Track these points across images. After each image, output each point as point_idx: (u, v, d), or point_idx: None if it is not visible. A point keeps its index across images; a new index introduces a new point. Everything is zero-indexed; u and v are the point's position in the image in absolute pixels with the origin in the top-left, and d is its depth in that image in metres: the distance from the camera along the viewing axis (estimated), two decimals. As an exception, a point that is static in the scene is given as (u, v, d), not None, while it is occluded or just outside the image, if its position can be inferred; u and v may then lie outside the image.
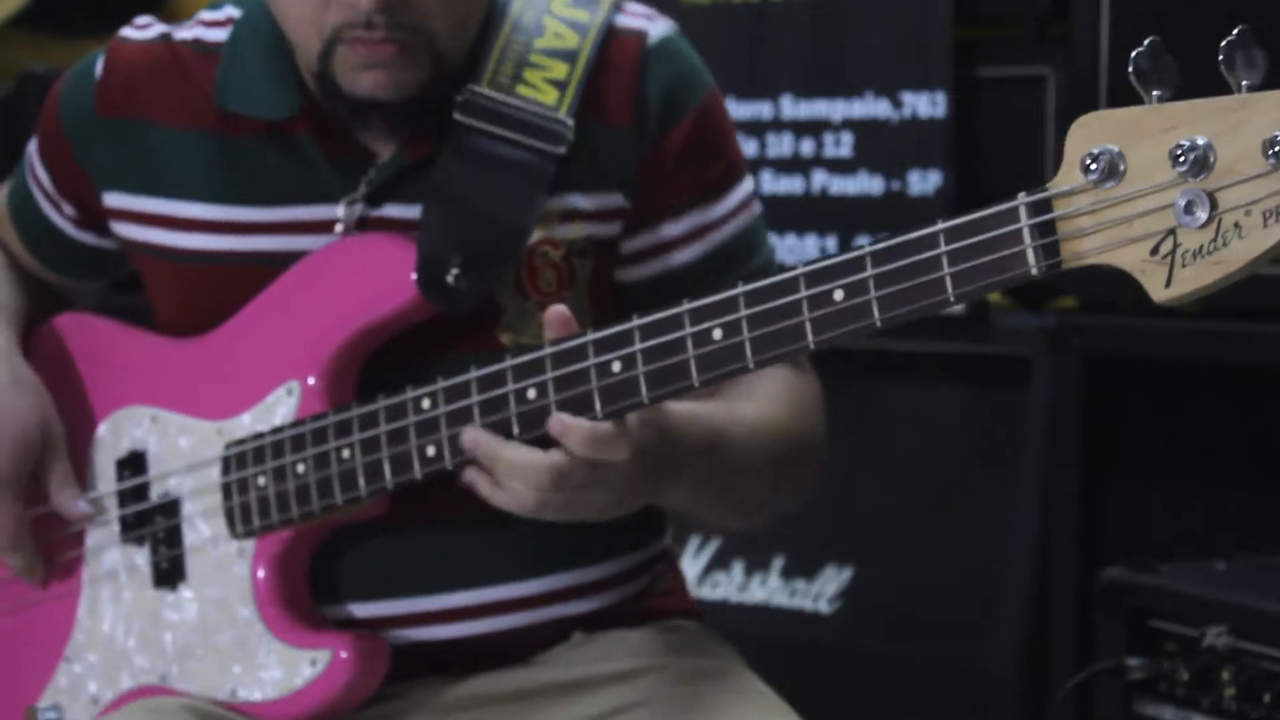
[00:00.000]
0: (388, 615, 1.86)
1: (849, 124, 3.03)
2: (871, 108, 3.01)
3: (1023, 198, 1.49)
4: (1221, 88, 1.42)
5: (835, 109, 3.05)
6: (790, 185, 3.09)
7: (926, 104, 2.95)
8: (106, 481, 1.98)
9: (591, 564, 1.90)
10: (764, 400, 1.85)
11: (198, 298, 1.92)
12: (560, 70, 1.86)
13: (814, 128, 3.07)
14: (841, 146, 3.04)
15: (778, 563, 3.03)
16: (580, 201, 1.85)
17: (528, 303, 1.84)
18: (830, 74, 3.05)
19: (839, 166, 3.05)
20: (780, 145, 3.10)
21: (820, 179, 3.07)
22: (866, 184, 3.01)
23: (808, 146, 3.08)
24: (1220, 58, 1.40)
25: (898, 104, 2.98)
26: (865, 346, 2.97)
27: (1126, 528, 2.67)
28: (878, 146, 3.00)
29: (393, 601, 1.87)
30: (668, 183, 1.87)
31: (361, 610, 1.87)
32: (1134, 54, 1.44)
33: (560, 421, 1.65)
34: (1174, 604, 2.22)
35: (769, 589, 3.03)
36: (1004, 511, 2.82)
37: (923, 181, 2.94)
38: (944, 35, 2.93)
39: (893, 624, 2.93)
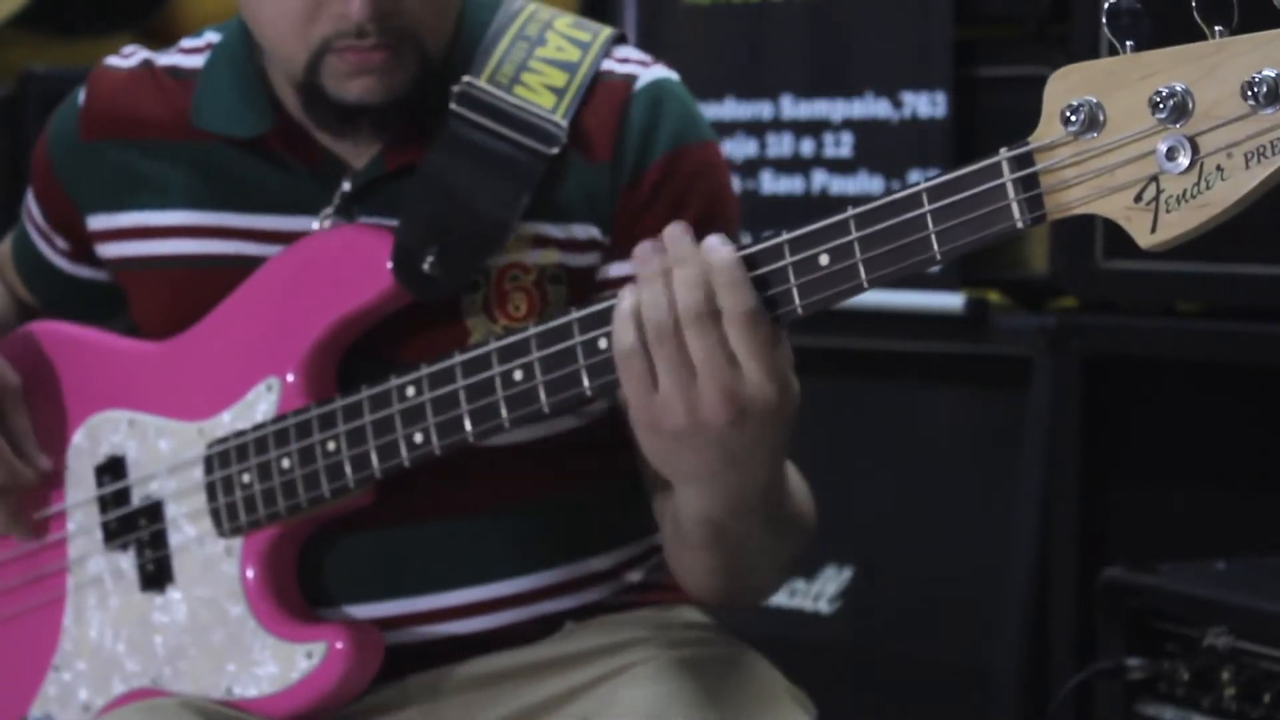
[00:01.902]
0: (381, 616, 1.86)
1: (849, 124, 3.04)
2: (871, 108, 3.01)
3: (1004, 153, 1.50)
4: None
5: (835, 109, 3.05)
6: (790, 185, 3.09)
7: (926, 104, 2.95)
8: (86, 488, 1.97)
9: (584, 558, 1.90)
10: (793, 480, 1.82)
11: (181, 304, 1.92)
12: (559, 78, 1.86)
13: (814, 128, 3.07)
14: (841, 146, 3.04)
15: (778, 563, 3.02)
16: (552, 230, 1.85)
17: (495, 326, 1.83)
18: (830, 74, 3.05)
19: (839, 166, 3.05)
20: (780, 145, 3.10)
21: (820, 179, 3.07)
22: (866, 184, 3.01)
23: (808, 146, 3.08)
24: (1193, 3, 1.41)
25: (898, 104, 2.98)
26: (865, 347, 2.98)
27: (1126, 528, 2.67)
28: (878, 146, 3.00)
29: (385, 603, 1.87)
30: (639, 220, 1.85)
31: (355, 613, 1.87)
32: (1107, 4, 1.44)
33: (710, 243, 1.58)
34: (1174, 604, 2.22)
35: (769, 589, 3.03)
36: (1004, 511, 2.82)
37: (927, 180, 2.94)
38: (944, 35, 2.93)
39: (893, 624, 2.93)
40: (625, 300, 1.60)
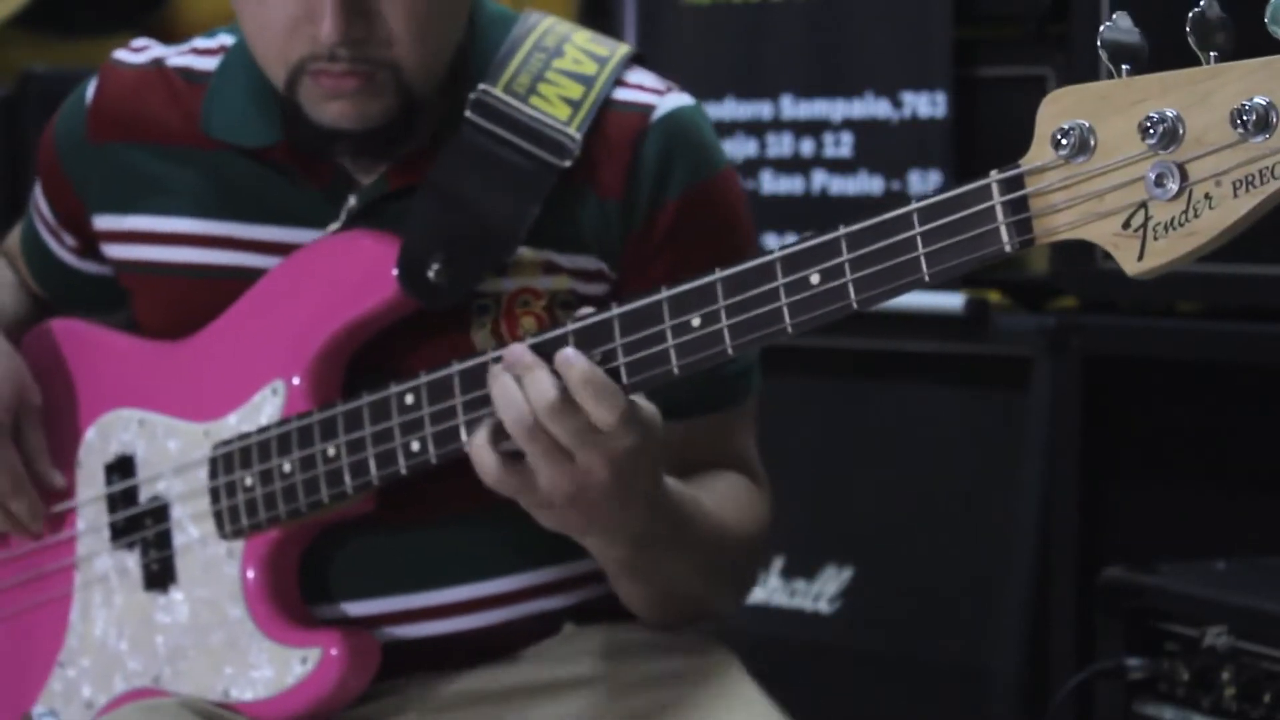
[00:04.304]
0: (379, 613, 1.87)
1: (849, 124, 3.04)
2: (871, 108, 3.01)
3: (994, 175, 1.49)
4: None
5: (835, 109, 3.05)
6: (790, 185, 3.09)
7: (926, 104, 2.95)
8: (95, 485, 1.98)
9: (580, 557, 1.90)
10: (722, 500, 1.84)
11: (183, 310, 1.92)
12: (575, 90, 1.86)
13: (814, 128, 3.07)
14: (841, 146, 3.04)
15: (778, 563, 3.03)
16: (562, 260, 1.85)
17: None
18: (830, 74, 3.05)
19: (839, 166, 3.05)
20: (780, 145, 3.10)
21: (820, 179, 3.07)
22: (866, 184, 3.02)
23: (808, 146, 3.08)
24: (1188, 29, 1.40)
25: (898, 104, 2.98)
26: (865, 347, 2.98)
27: (1126, 528, 2.67)
28: (878, 146, 3.00)
29: (383, 599, 1.87)
30: (651, 262, 1.86)
31: (353, 609, 1.87)
32: (1102, 27, 1.44)
33: (566, 355, 1.64)
34: (1174, 604, 2.22)
35: (769, 589, 3.03)
36: (1004, 511, 2.82)
37: (923, 181, 2.94)
38: (944, 35, 2.93)
39: (893, 624, 2.93)
40: (479, 431, 1.67)
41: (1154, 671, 2.23)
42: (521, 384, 1.64)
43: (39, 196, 2.04)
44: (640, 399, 1.67)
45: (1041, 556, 2.75)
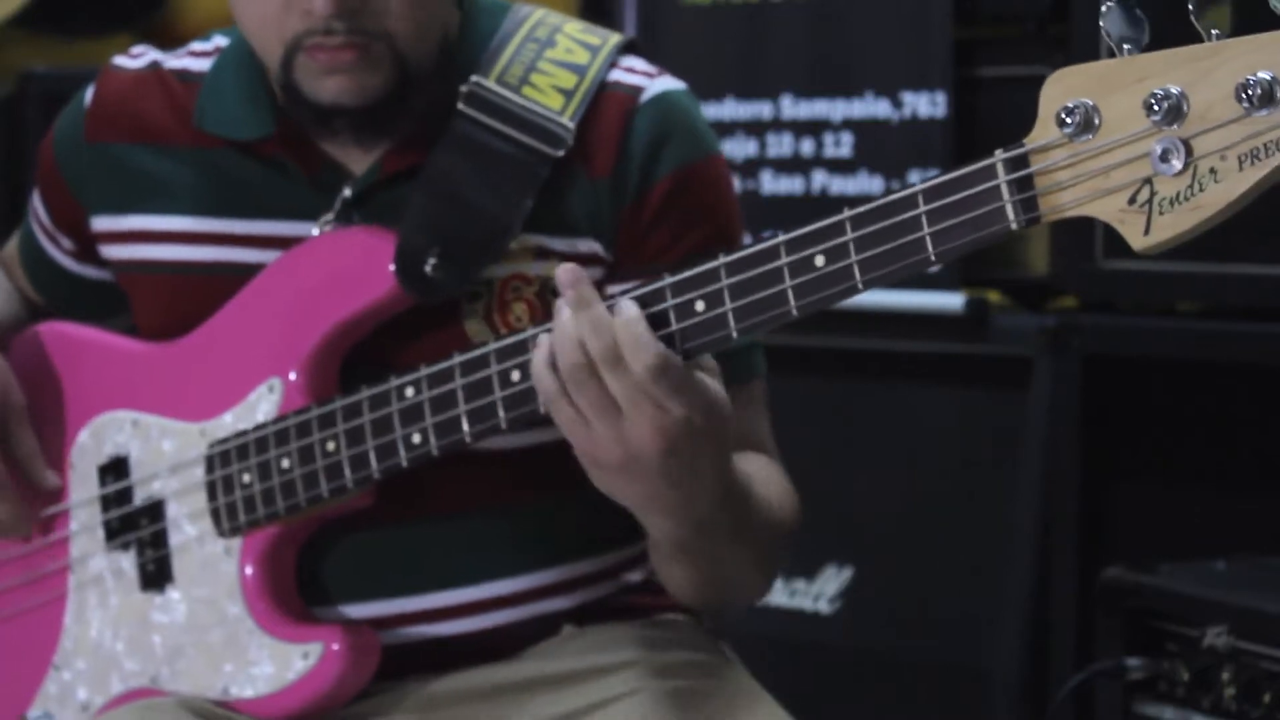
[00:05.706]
0: (378, 616, 1.87)
1: (849, 124, 3.04)
2: (871, 108, 3.01)
3: (999, 154, 1.50)
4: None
5: (835, 109, 3.05)
6: (790, 185, 3.10)
7: (926, 104, 2.95)
8: (89, 487, 1.97)
9: (579, 559, 1.90)
10: (768, 487, 1.83)
11: (181, 309, 1.92)
12: (567, 80, 1.87)
13: (814, 128, 3.07)
14: (841, 146, 3.05)
15: (778, 563, 3.02)
16: (555, 243, 1.85)
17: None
18: (830, 74, 3.06)
19: (839, 166, 3.05)
20: (780, 145, 3.11)
21: (820, 179, 3.07)
22: (866, 184, 3.02)
23: (808, 146, 3.08)
24: (1190, 6, 1.41)
25: (898, 104, 2.98)
26: (865, 347, 2.98)
27: (1126, 528, 2.68)
28: (878, 146, 3.01)
29: (383, 602, 1.87)
30: (644, 240, 1.86)
31: (352, 612, 1.87)
32: (1104, 7, 1.45)
33: (620, 302, 1.62)
34: (1174, 604, 2.22)
35: (769, 589, 3.03)
36: (1004, 511, 2.82)
37: (923, 182, 2.94)
38: (944, 35, 2.93)
39: (893, 624, 2.93)
40: (541, 347, 1.63)
41: (1154, 671, 2.23)
42: (581, 325, 1.61)
43: (36, 201, 2.05)
44: (710, 381, 1.63)
45: (1041, 556, 2.75)
